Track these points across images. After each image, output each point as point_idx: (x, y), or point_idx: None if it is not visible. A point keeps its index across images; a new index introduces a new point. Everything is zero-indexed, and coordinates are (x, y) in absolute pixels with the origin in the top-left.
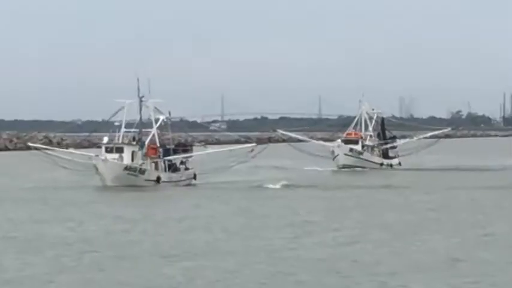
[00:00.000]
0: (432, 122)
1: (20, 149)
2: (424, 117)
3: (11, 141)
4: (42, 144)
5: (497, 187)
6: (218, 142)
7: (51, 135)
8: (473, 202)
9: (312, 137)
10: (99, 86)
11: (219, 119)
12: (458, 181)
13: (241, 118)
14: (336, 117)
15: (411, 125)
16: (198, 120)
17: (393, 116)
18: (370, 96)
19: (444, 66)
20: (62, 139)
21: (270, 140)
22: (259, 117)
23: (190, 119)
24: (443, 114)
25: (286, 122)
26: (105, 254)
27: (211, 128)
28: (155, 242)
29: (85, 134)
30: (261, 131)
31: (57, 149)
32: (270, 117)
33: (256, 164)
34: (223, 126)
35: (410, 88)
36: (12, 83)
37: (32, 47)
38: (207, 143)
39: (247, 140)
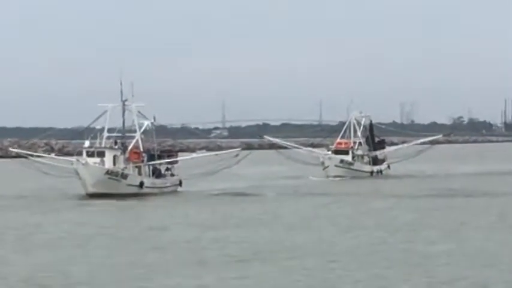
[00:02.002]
0: (433, 128)
1: (22, 156)
2: (425, 123)
3: (12, 148)
4: (44, 151)
5: (481, 194)
6: (220, 149)
7: (53, 142)
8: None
9: (312, 143)
10: (104, 92)
11: (221, 125)
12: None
13: (243, 124)
14: (337, 123)
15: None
16: (200, 127)
17: (394, 122)
18: (371, 102)
19: (445, 72)
20: (63, 146)
21: (271, 147)
22: (261, 123)
23: (192, 126)
24: (444, 120)
25: (287, 128)
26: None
27: (213, 135)
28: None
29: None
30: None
31: (39, 154)
32: (272, 123)
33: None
34: (225, 133)
35: (412, 94)
36: (14, 90)
37: (34, 54)
38: (208, 149)
39: (249, 147)
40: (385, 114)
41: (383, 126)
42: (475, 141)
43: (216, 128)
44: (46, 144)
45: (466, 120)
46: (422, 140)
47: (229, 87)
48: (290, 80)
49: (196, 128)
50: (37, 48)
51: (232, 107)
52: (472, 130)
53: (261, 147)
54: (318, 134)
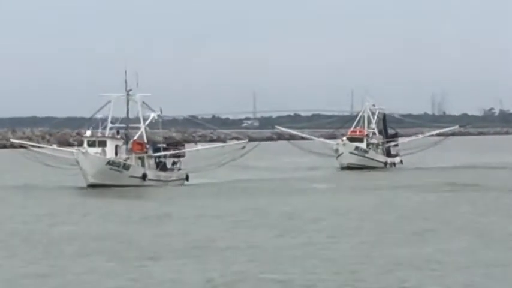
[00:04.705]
0: (464, 119)
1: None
2: (456, 114)
3: (43, 137)
4: (75, 141)
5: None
6: (250, 139)
7: (83, 131)
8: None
9: (343, 134)
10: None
11: (252, 116)
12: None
13: (274, 115)
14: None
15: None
16: (231, 117)
17: (425, 113)
18: (403, 92)
19: (477, 63)
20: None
21: (302, 138)
22: (292, 114)
23: (223, 116)
24: (475, 111)
25: (318, 119)
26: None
27: (244, 125)
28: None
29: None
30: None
31: (41, 145)
32: (303, 114)
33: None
34: (256, 124)
35: (443, 85)
36: (45, 80)
37: (62, 44)
38: (238, 139)
39: (280, 137)
40: (417, 105)
41: (399, 117)
42: (506, 133)
43: (247, 119)
44: (77, 133)
45: (497, 111)
46: (437, 131)
47: (261, 77)
48: (322, 71)
49: (227, 119)
50: (71, 41)
51: (263, 98)
52: (504, 122)
53: (292, 137)
54: (348, 125)
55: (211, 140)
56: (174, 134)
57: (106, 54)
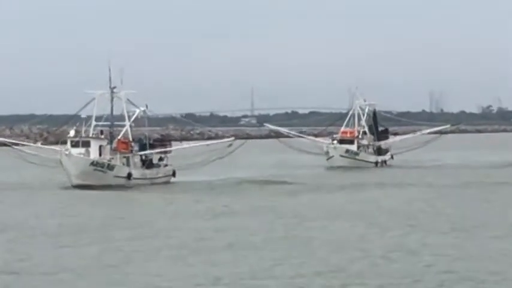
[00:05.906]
0: (462, 117)
1: (51, 143)
2: (454, 111)
3: (41, 135)
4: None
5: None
6: (249, 137)
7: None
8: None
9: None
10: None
11: (249, 113)
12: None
13: (272, 113)
14: None
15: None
16: (228, 115)
17: (423, 111)
18: (401, 90)
19: (476, 61)
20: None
21: (296, 136)
22: (289, 111)
23: (221, 114)
24: (473, 109)
25: (316, 116)
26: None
27: (241, 122)
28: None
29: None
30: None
31: (25, 143)
32: (300, 111)
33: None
34: (253, 121)
35: (441, 82)
36: (45, 79)
37: (62, 44)
38: (237, 137)
39: (278, 135)
40: (415, 103)
41: (388, 115)
42: (504, 131)
43: (244, 116)
44: (76, 131)
45: (495, 109)
46: (429, 130)
47: (259, 75)
48: (321, 69)
49: (225, 116)
50: (71, 41)
51: (261, 96)
52: (502, 119)
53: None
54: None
55: (209, 138)
56: (172, 132)
57: (105, 54)
